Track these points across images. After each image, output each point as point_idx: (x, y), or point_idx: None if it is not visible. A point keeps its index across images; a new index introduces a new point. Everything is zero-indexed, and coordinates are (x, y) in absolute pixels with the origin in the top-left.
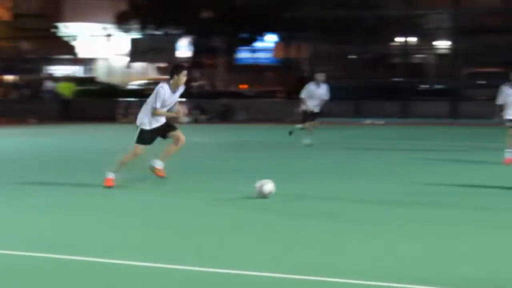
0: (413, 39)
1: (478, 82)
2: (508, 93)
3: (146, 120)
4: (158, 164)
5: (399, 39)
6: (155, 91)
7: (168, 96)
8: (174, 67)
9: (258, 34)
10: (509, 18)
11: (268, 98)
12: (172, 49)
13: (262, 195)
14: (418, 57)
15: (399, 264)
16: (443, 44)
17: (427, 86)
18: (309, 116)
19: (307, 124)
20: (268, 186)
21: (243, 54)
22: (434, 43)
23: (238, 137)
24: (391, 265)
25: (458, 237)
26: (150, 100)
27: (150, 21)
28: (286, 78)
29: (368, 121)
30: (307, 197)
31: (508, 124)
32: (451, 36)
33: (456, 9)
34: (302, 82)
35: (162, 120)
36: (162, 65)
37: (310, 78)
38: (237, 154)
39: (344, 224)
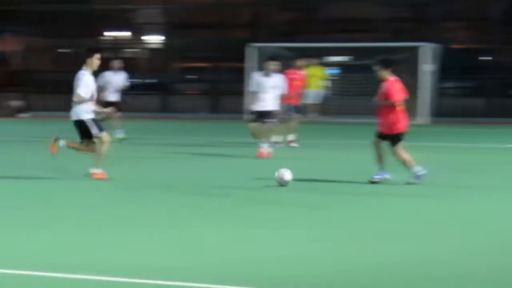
0: (124, 34)
1: (189, 76)
2: (261, 82)
3: None
4: None
5: (110, 34)
6: None
7: None
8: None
9: None
10: (220, 14)
11: None
12: None
13: (283, 182)
14: (130, 51)
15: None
16: (155, 39)
17: (139, 80)
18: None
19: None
20: (288, 174)
21: None
22: (146, 37)
23: None
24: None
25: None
26: None
27: None
28: None
29: None
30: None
31: (256, 117)
32: (162, 31)
33: (168, 5)
34: (14, 76)
35: None
36: None
37: (23, 72)
38: None
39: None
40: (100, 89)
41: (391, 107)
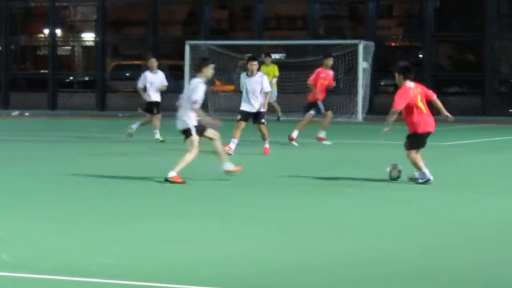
0: (60, 31)
1: (124, 74)
2: (245, 83)
3: None
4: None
5: (46, 31)
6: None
7: None
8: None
9: None
10: (155, 11)
11: None
12: None
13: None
14: (65, 49)
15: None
16: (89, 37)
17: (74, 78)
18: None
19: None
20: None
21: None
22: (81, 35)
23: None
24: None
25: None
26: None
27: None
28: None
29: (15, 113)
30: None
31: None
32: (98, 28)
33: (103, 2)
34: None
35: None
36: None
37: None
38: None
39: None
40: (144, 89)
41: (408, 110)
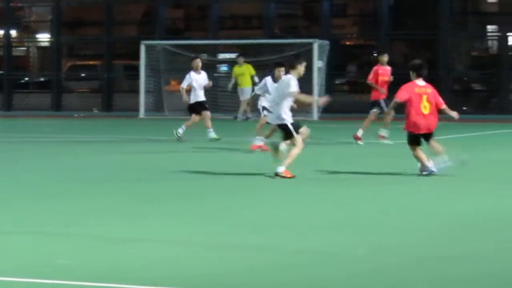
0: (15, 32)
1: (79, 74)
2: (270, 86)
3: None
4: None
5: (1, 31)
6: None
7: None
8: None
9: None
10: (110, 11)
11: None
12: None
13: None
14: (20, 49)
15: None
16: (45, 37)
17: (29, 78)
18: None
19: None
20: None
21: None
22: (36, 35)
23: None
24: None
25: None
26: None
27: None
28: None
29: None
30: None
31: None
32: (53, 29)
33: (58, 2)
34: None
35: None
36: None
37: None
38: None
39: None
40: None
41: (408, 106)
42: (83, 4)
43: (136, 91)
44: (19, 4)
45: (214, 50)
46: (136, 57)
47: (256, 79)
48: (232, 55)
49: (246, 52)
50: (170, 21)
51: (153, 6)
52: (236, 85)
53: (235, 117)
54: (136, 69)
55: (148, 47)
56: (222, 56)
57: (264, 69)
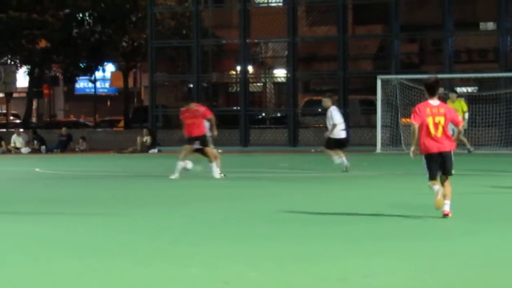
0: (251, 68)
1: (315, 109)
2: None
3: None
4: None
5: (237, 68)
6: None
7: None
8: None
9: (96, 63)
10: (345, 46)
11: (108, 128)
12: (11, 79)
13: None
14: (257, 85)
15: None
16: (281, 73)
17: (265, 114)
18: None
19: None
20: None
21: (82, 84)
22: (273, 71)
23: (77, 167)
24: None
25: None
26: None
27: None
28: (124, 107)
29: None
30: None
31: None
32: (288, 64)
33: (293, 38)
34: (140, 111)
35: None
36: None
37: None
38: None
39: None
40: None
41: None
42: (318, 39)
43: (372, 125)
44: (256, 40)
45: (450, 83)
46: (371, 91)
47: (467, 115)
48: (469, 89)
49: (482, 87)
50: (405, 55)
51: (388, 40)
52: None
53: (469, 151)
54: (371, 103)
55: (384, 82)
56: (459, 90)
57: (500, 103)
